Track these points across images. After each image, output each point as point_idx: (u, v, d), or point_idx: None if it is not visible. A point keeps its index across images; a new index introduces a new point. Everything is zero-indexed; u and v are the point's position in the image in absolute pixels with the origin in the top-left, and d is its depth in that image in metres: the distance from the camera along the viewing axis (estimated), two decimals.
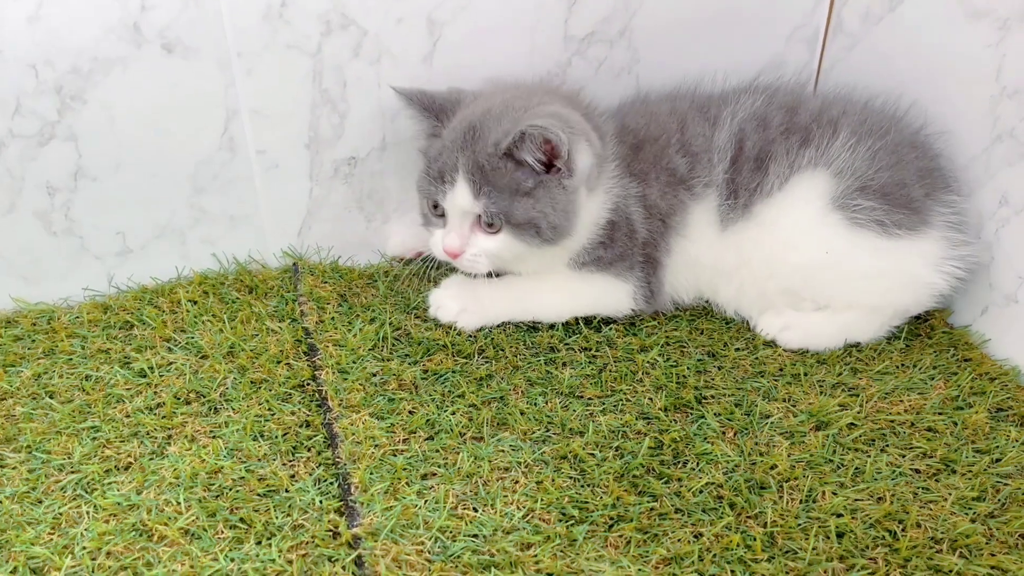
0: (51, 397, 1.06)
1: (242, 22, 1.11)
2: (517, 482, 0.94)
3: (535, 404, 1.06)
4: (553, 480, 0.94)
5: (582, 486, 0.94)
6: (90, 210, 1.18)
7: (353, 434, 1.00)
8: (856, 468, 0.98)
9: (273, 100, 1.17)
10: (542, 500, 0.91)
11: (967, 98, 1.15)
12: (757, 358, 1.15)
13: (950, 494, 0.94)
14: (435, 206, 1.13)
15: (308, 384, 1.08)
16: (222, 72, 1.14)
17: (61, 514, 0.90)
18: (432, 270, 1.29)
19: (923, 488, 0.95)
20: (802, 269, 1.13)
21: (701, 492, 0.93)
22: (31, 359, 1.13)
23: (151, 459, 0.97)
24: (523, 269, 1.18)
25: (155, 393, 1.06)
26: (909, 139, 1.15)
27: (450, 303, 1.18)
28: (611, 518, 0.90)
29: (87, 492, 0.93)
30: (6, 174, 1.13)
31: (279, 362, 1.11)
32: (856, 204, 1.09)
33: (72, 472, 0.95)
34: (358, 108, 1.21)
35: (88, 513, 0.90)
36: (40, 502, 0.92)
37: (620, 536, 0.88)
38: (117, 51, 1.08)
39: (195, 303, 1.22)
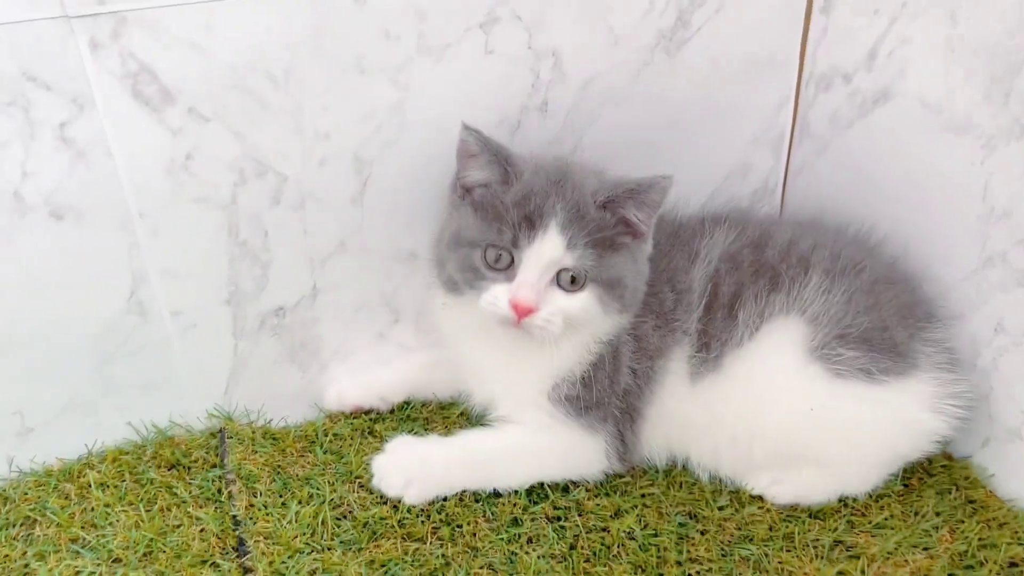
0: None
1: (142, 179, 0.98)
2: None
3: None
4: None
5: None
6: None
7: None
8: None
9: (185, 258, 1.04)
10: None
11: (951, 215, 1.05)
12: (743, 517, 1.04)
13: None
14: (497, 257, 0.97)
15: None
16: (124, 234, 1.00)
17: None
18: (378, 424, 1.17)
19: None
20: (786, 429, 1.01)
21: None
22: None
23: None
24: (507, 354, 1.04)
25: None
26: (885, 274, 1.05)
27: (395, 473, 1.04)
28: None
29: None
30: None
31: (204, 563, 0.97)
32: (837, 355, 0.99)
33: None
34: (283, 257, 1.08)
35: None
36: None
37: None
38: None
39: (106, 487, 1.07)
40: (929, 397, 1.01)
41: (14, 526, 1.03)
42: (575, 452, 1.05)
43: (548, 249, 0.95)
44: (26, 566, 0.98)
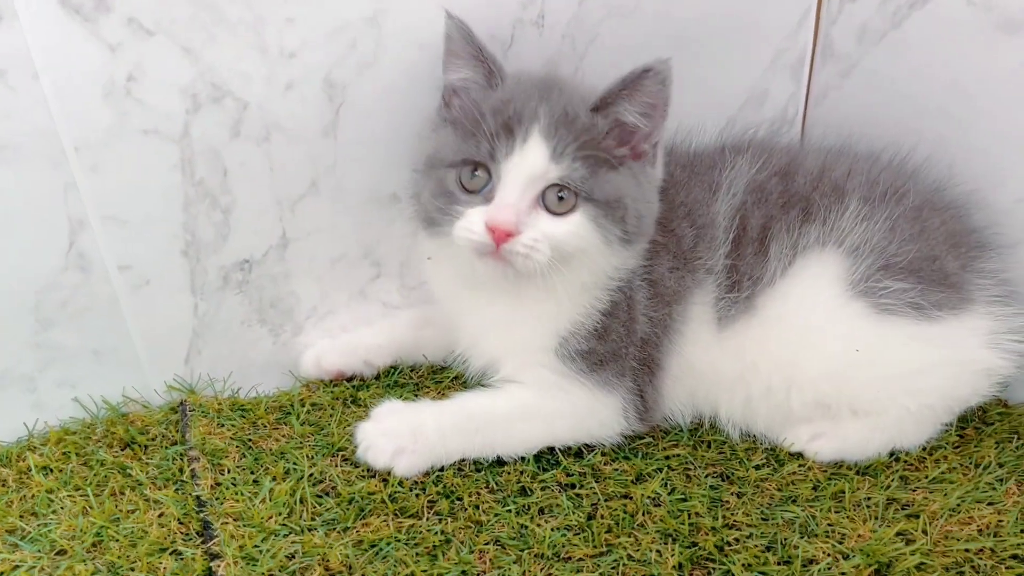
0: None
1: (77, 106, 0.84)
2: None
3: None
4: None
5: None
6: None
7: None
8: None
9: (132, 201, 0.91)
10: None
11: (1005, 128, 0.93)
12: (783, 477, 0.91)
13: None
14: (474, 172, 0.85)
15: None
16: (58, 172, 0.87)
17: None
18: (362, 392, 1.03)
19: None
20: (829, 375, 0.90)
21: None
22: None
23: None
24: (510, 306, 0.91)
25: None
26: (931, 200, 0.94)
27: (382, 442, 0.91)
28: None
29: None
30: None
31: (164, 551, 0.83)
32: (883, 287, 0.87)
33: None
34: (246, 200, 0.94)
35: None
36: None
37: None
38: None
39: (50, 472, 0.93)
40: (987, 332, 0.91)
41: None
42: (590, 412, 0.93)
43: (530, 160, 0.82)
44: None
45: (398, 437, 0.90)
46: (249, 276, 0.99)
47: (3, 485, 0.92)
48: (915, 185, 0.95)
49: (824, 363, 0.90)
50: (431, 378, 1.07)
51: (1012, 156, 0.93)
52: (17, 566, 0.82)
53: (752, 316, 0.91)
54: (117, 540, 0.84)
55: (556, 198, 0.84)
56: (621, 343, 0.91)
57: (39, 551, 0.84)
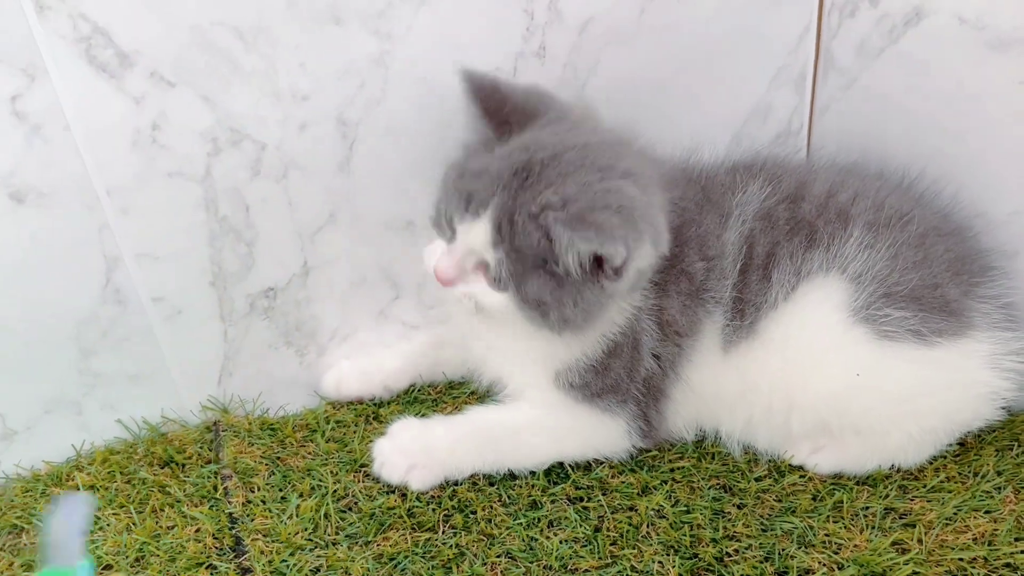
0: None
1: (106, 154, 0.90)
2: None
3: None
4: None
5: None
6: None
7: None
8: None
9: (162, 238, 0.96)
10: None
11: (997, 142, 0.95)
12: (783, 488, 0.95)
13: None
14: (439, 222, 0.90)
15: None
16: (92, 215, 0.93)
17: None
18: (383, 409, 1.09)
19: None
20: (830, 398, 0.91)
21: None
22: None
23: None
24: (504, 336, 0.96)
25: None
26: (935, 225, 0.94)
27: (397, 458, 0.96)
28: None
29: None
30: None
31: (200, 565, 0.89)
32: (884, 315, 0.89)
33: None
34: (268, 232, 1.00)
35: None
36: None
37: None
38: None
39: (96, 490, 1.00)
40: (988, 355, 0.91)
41: (1, 534, 0.96)
42: (594, 432, 0.97)
43: (473, 236, 0.86)
44: None
45: (412, 453, 0.96)
46: (274, 303, 1.04)
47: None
48: (921, 211, 0.95)
49: (825, 386, 0.91)
50: (448, 394, 1.12)
51: (1005, 170, 0.94)
52: None
53: (754, 339, 0.93)
54: (158, 555, 0.91)
55: (494, 278, 0.87)
56: (622, 379, 0.94)
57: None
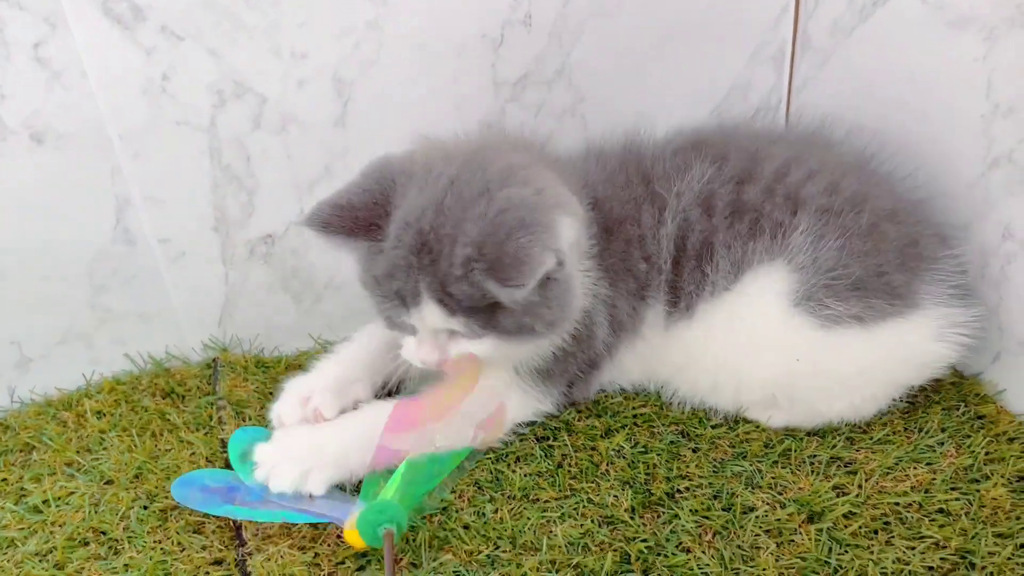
0: None
1: (119, 101, 0.98)
2: None
3: (482, 515, 0.91)
4: None
5: None
6: None
7: (269, 573, 0.86)
8: (857, 570, 0.83)
9: (169, 183, 1.04)
10: None
11: (955, 118, 1.00)
12: (737, 435, 1.01)
13: None
14: (400, 321, 0.90)
15: None
16: (105, 157, 1.01)
17: None
18: None
19: None
20: (772, 378, 0.96)
21: None
22: None
23: None
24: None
25: (50, 534, 0.93)
26: (890, 208, 0.95)
27: (286, 466, 0.89)
28: None
29: None
30: None
31: None
32: (823, 306, 0.91)
33: None
34: (267, 182, 1.07)
35: None
36: None
37: None
38: None
39: (103, 415, 1.08)
40: (934, 330, 0.94)
41: (12, 452, 1.05)
42: (521, 409, 1.01)
43: (428, 319, 0.87)
44: (22, 488, 0.99)
45: (306, 454, 0.90)
46: (273, 249, 1.12)
47: (64, 425, 1.08)
48: (878, 190, 0.96)
49: (767, 369, 0.95)
50: None
51: (962, 145, 0.99)
52: (72, 492, 0.98)
53: (693, 322, 0.97)
54: (155, 473, 0.99)
55: (467, 333, 0.88)
56: (569, 366, 0.99)
57: (91, 480, 0.99)
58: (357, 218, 0.87)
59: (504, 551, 0.87)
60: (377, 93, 1.05)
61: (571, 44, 1.09)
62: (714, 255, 0.95)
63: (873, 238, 0.93)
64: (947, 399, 1.03)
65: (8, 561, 0.91)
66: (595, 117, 1.14)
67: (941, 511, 0.89)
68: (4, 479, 1.01)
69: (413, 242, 0.84)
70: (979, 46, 0.94)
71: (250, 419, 1.05)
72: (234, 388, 1.09)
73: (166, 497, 0.95)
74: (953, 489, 0.91)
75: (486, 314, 0.86)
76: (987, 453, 0.95)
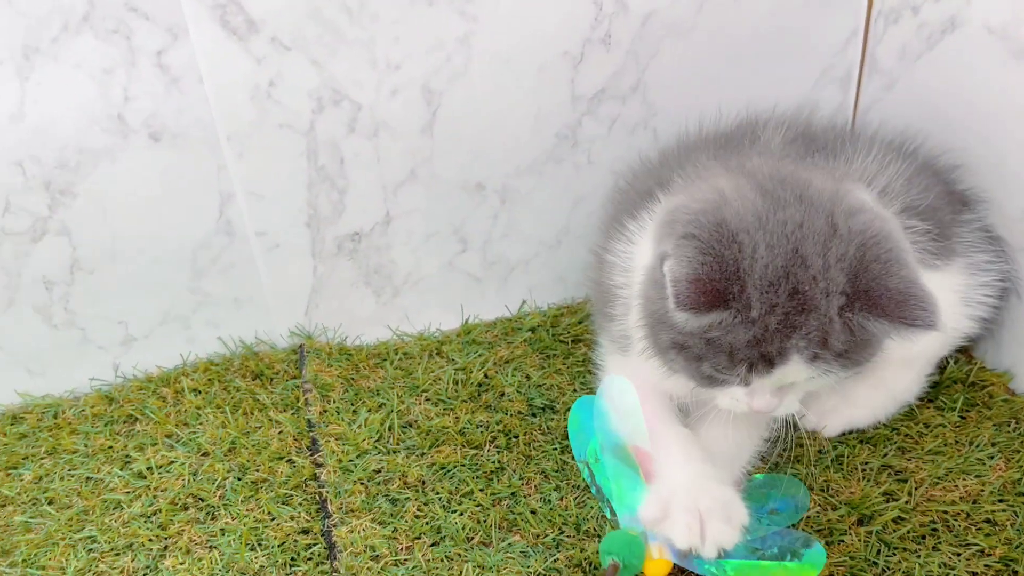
0: (50, 504, 1.03)
1: (229, 105, 1.06)
2: None
3: (548, 502, 0.98)
4: None
5: None
6: (89, 302, 1.15)
7: (352, 544, 0.94)
8: (904, 572, 0.88)
9: (268, 181, 1.13)
10: None
11: (1014, 148, 1.03)
12: (792, 440, 1.05)
13: None
14: (746, 379, 0.84)
15: (309, 483, 1.02)
16: (213, 156, 1.09)
17: None
18: (445, 345, 1.23)
19: None
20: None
21: None
22: (34, 459, 1.10)
23: (144, 575, 0.93)
24: None
25: (153, 498, 1.02)
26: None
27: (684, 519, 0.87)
28: None
29: None
30: (1, 271, 1.10)
31: (281, 458, 1.06)
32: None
33: None
34: (357, 183, 1.15)
35: None
36: None
37: None
38: (103, 143, 1.05)
39: (198, 393, 1.17)
40: (963, 285, 1.01)
41: (117, 422, 1.14)
42: None
43: (789, 375, 0.82)
44: (127, 456, 1.09)
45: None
46: (358, 246, 1.20)
47: (164, 400, 1.17)
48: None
49: None
50: (504, 338, 1.26)
51: (1022, 170, 1.03)
52: (172, 461, 1.07)
53: None
54: (247, 448, 1.07)
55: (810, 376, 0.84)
56: None
57: (189, 452, 1.08)
58: (717, 291, 0.78)
59: (569, 536, 0.94)
60: (463, 103, 1.12)
61: (647, 62, 1.15)
62: None
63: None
64: (999, 415, 1.07)
65: (116, 521, 1.00)
66: (666, 130, 1.20)
67: (988, 521, 0.93)
68: (110, 446, 1.10)
69: (783, 291, 0.78)
70: None
71: (334, 402, 1.13)
72: (319, 373, 1.18)
73: (257, 470, 1.04)
74: (1000, 501, 0.95)
75: (843, 362, 0.82)
76: None
